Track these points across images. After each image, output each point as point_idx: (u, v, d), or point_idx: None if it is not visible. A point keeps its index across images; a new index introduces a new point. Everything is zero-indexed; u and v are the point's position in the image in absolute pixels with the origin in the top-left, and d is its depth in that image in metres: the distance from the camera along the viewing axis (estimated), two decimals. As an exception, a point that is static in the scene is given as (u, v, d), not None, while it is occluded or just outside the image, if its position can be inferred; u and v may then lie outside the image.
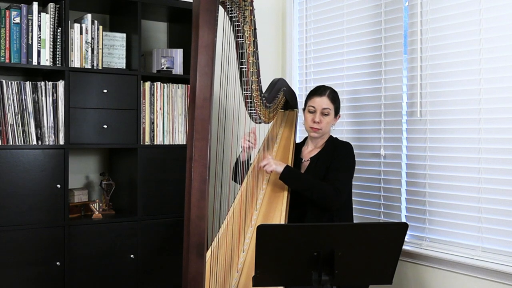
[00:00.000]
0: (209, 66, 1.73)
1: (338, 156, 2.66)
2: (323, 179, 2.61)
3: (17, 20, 2.84)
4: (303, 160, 2.77)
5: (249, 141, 2.71)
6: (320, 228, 1.82)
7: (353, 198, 2.99)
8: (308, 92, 3.53)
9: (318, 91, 2.74)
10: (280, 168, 2.55)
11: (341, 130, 3.30)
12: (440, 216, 2.76)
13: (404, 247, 2.77)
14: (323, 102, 2.69)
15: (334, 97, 2.73)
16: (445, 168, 2.74)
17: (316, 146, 2.78)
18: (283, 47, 3.81)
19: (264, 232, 1.76)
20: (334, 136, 2.83)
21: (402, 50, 2.95)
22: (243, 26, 2.23)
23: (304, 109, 2.80)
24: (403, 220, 2.93)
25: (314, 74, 3.57)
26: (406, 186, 2.94)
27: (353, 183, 3.09)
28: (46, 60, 2.90)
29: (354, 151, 3.17)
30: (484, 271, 2.54)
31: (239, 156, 2.79)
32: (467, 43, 2.65)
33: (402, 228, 1.82)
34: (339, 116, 2.78)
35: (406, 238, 2.88)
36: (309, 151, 2.79)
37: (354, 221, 3.02)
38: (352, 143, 3.19)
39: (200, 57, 1.73)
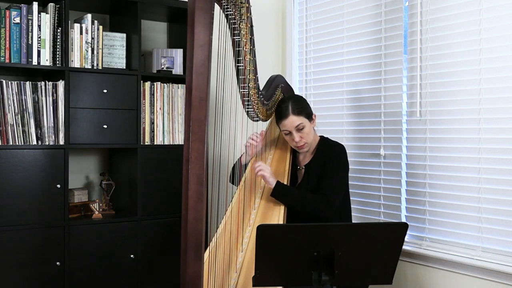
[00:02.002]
0: (205, 66, 1.71)
1: (329, 160, 2.61)
2: (318, 185, 2.59)
3: (17, 20, 2.84)
4: (298, 168, 2.74)
5: (253, 139, 2.68)
6: (320, 228, 1.82)
7: (353, 198, 2.99)
8: (307, 92, 3.52)
9: (281, 113, 2.60)
10: (271, 185, 2.52)
11: (341, 130, 3.29)
12: (440, 216, 2.76)
13: (404, 247, 2.77)
14: (292, 121, 2.58)
15: (298, 108, 2.59)
16: (445, 168, 2.74)
17: (308, 153, 2.73)
18: (283, 47, 3.81)
19: (264, 232, 1.75)
20: (329, 135, 2.79)
21: (402, 50, 2.95)
22: (239, 24, 2.22)
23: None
24: (403, 220, 2.93)
25: (314, 74, 3.56)
26: (406, 186, 2.93)
27: (353, 183, 3.09)
28: (46, 60, 2.90)
29: (354, 151, 3.18)
30: (484, 271, 2.54)
31: (239, 158, 2.78)
32: (467, 43, 2.65)
33: (402, 228, 1.82)
34: (315, 116, 2.69)
35: (406, 238, 2.88)
36: (303, 158, 2.75)
37: (354, 221, 3.02)
38: (352, 143, 3.20)
39: (196, 56, 1.71)
